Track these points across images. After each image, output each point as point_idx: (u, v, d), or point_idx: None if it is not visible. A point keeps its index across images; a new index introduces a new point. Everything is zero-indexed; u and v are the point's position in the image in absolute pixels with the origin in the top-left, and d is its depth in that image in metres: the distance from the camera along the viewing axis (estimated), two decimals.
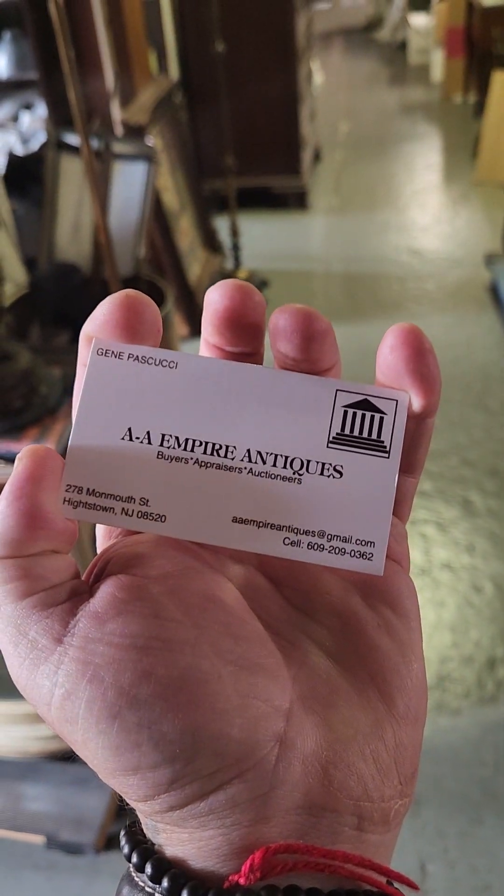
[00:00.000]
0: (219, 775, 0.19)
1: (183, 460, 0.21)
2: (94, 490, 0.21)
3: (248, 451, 0.21)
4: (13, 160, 1.75)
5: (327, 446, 0.22)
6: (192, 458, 0.21)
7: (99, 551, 0.22)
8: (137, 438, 0.21)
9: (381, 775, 0.20)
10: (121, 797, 0.20)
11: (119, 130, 1.96)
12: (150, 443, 0.21)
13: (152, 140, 2.00)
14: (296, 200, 3.34)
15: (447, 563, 1.61)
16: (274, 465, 0.21)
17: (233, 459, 0.21)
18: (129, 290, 0.21)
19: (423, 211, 3.29)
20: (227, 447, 0.21)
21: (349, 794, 0.20)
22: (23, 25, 2.03)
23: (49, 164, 1.50)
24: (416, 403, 0.22)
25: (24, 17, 1.88)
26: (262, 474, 0.21)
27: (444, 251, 2.90)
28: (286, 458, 0.21)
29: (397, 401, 0.22)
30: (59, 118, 1.84)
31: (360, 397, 0.22)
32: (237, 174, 2.63)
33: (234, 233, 2.61)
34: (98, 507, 0.21)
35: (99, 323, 0.21)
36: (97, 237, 1.37)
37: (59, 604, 0.19)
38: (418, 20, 5.54)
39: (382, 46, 6.35)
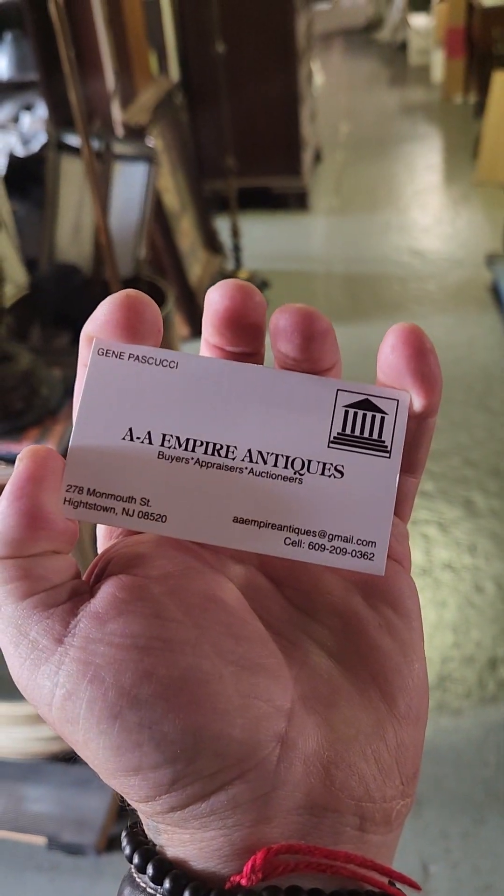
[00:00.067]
0: (220, 776, 0.19)
1: (184, 460, 0.21)
2: (94, 490, 0.21)
3: (249, 450, 0.21)
4: (14, 161, 1.75)
5: (328, 446, 0.22)
6: (192, 458, 0.21)
7: (100, 551, 0.22)
8: (138, 438, 0.21)
9: (383, 775, 0.20)
10: (122, 798, 0.20)
11: (120, 131, 1.96)
12: (150, 443, 0.21)
13: (153, 141, 2.01)
14: (296, 201, 3.34)
15: (449, 564, 1.61)
16: (275, 465, 0.21)
17: (234, 459, 0.21)
18: (130, 290, 0.21)
19: (424, 211, 3.29)
20: (227, 447, 0.21)
21: (351, 794, 0.20)
22: (23, 26, 2.03)
23: (50, 165, 1.50)
24: (418, 403, 0.22)
25: (25, 18, 1.88)
26: (263, 474, 0.21)
27: (445, 252, 2.90)
28: (287, 458, 0.21)
29: (398, 400, 0.22)
30: (60, 119, 1.84)
31: (361, 397, 0.22)
32: (238, 175, 2.63)
33: (235, 233, 2.61)
34: (99, 508, 0.21)
35: (99, 323, 0.21)
36: (98, 238, 1.38)
37: (59, 604, 0.19)
38: (418, 21, 5.54)
39: (383, 47, 6.35)
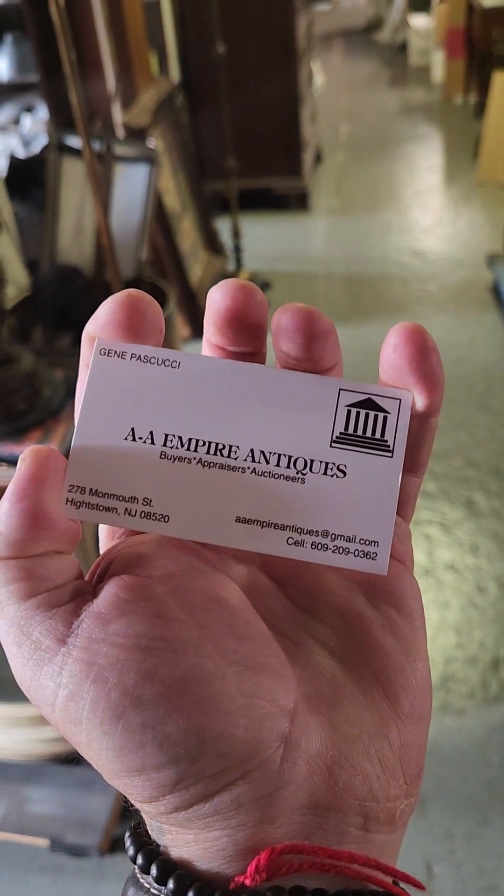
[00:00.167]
0: (223, 776, 0.19)
1: (186, 460, 0.21)
2: (96, 490, 0.21)
3: (252, 450, 0.21)
4: (15, 163, 1.75)
5: (330, 446, 0.22)
6: (195, 458, 0.21)
7: (102, 551, 0.22)
8: (140, 438, 0.21)
9: (387, 775, 0.20)
10: (125, 798, 0.20)
11: (120, 133, 1.96)
12: (153, 443, 0.21)
13: (154, 142, 2.01)
14: (297, 202, 3.34)
15: (451, 564, 1.61)
16: (277, 464, 0.21)
17: (236, 459, 0.21)
18: (131, 290, 0.21)
19: (425, 212, 3.29)
20: (230, 447, 0.21)
21: (354, 793, 0.20)
22: (24, 28, 2.03)
23: (51, 167, 1.50)
24: (420, 402, 0.21)
25: (25, 20, 1.88)
26: (266, 474, 0.21)
27: (445, 252, 2.90)
28: (289, 457, 0.21)
29: (401, 400, 0.22)
30: (61, 121, 1.84)
31: (364, 396, 0.22)
32: (238, 176, 2.64)
33: (236, 234, 2.61)
34: (101, 508, 0.21)
35: (101, 323, 0.21)
36: (99, 239, 1.38)
37: (62, 604, 0.19)
38: (418, 21, 5.54)
39: (383, 48, 6.35)
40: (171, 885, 0.19)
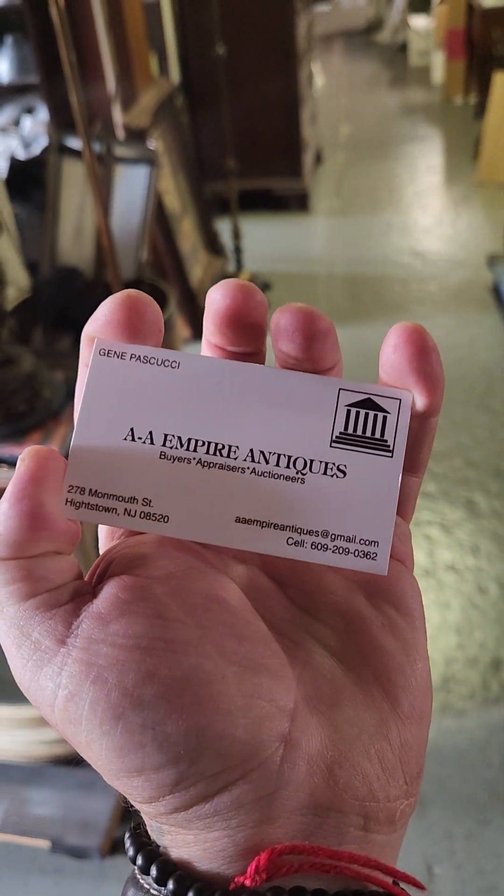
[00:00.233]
0: (223, 776, 0.18)
1: (185, 460, 0.21)
2: (96, 490, 0.21)
3: (251, 450, 0.21)
4: (15, 164, 1.75)
5: (330, 446, 0.22)
6: (194, 459, 0.21)
7: (101, 552, 0.22)
8: (140, 439, 0.21)
9: (387, 775, 0.20)
10: (125, 799, 0.20)
11: (121, 134, 1.96)
12: (152, 443, 0.21)
13: (154, 143, 2.01)
14: (297, 202, 3.35)
15: (451, 565, 1.61)
16: (277, 464, 0.21)
17: (235, 459, 0.21)
18: (131, 290, 0.21)
19: (425, 212, 3.29)
20: (229, 447, 0.21)
21: (354, 794, 0.20)
22: (24, 29, 2.03)
23: (51, 168, 1.50)
24: (420, 402, 0.21)
25: (26, 21, 1.89)
26: (266, 474, 0.21)
27: (446, 252, 2.90)
28: (289, 457, 0.21)
29: (401, 400, 0.22)
30: (61, 122, 1.84)
31: (363, 396, 0.22)
32: (238, 176, 2.64)
33: (236, 235, 2.61)
34: (100, 508, 0.21)
35: (100, 323, 0.21)
36: (99, 241, 1.38)
37: (62, 605, 0.19)
38: (418, 22, 5.54)
39: (383, 48, 6.35)
40: (170, 885, 0.19)
